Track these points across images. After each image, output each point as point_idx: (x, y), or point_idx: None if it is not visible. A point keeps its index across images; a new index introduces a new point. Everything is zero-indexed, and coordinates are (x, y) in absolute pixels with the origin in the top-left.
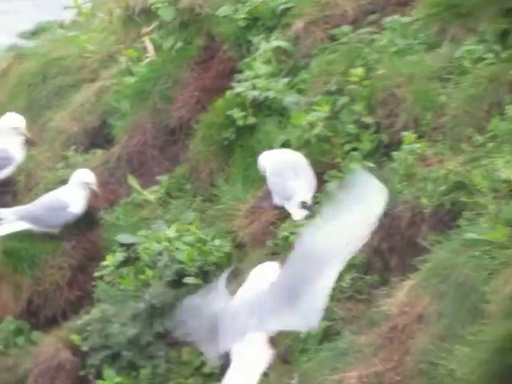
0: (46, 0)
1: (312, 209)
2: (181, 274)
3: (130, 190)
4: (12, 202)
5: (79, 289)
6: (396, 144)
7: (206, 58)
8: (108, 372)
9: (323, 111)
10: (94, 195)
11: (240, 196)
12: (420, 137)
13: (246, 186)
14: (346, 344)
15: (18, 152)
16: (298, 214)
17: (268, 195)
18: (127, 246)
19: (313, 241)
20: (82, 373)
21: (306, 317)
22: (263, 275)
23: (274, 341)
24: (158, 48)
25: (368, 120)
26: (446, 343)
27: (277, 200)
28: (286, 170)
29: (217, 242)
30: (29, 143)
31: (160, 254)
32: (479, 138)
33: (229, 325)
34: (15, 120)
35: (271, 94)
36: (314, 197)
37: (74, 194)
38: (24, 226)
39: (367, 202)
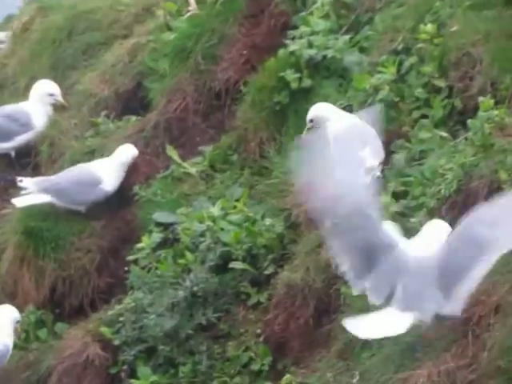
0: None
1: (378, 178)
2: (226, 258)
3: (168, 161)
4: (33, 174)
5: (110, 275)
6: (471, 111)
7: (255, 11)
8: (142, 369)
9: (389, 73)
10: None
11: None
12: (498, 102)
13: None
14: (413, 338)
15: (40, 117)
16: None
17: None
18: (165, 226)
19: (478, 224)
20: (112, 370)
21: (452, 303)
22: (435, 234)
23: (331, 335)
24: (200, 0)
25: (439, 83)
26: None
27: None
28: (351, 138)
29: (267, 221)
30: (56, 109)
31: (202, 234)
32: None
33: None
34: (50, 87)
35: (330, 53)
36: (381, 169)
37: (109, 170)
38: (46, 198)
39: None
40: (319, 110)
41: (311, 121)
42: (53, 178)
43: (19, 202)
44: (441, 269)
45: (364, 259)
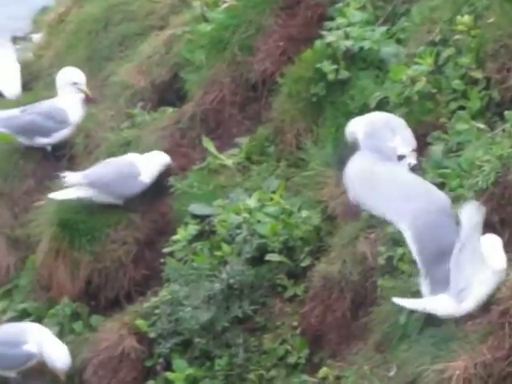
0: None
1: (415, 167)
2: (262, 250)
3: (204, 153)
4: (69, 166)
5: (146, 267)
6: (509, 102)
7: (292, 2)
8: (178, 362)
9: (426, 64)
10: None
11: (330, 160)
12: None
13: (337, 148)
14: (449, 330)
15: (75, 112)
16: None
17: None
18: (201, 218)
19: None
20: (148, 363)
21: (462, 298)
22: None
23: (368, 328)
24: None
25: (477, 75)
26: None
27: None
28: (379, 129)
29: (304, 213)
30: (88, 101)
31: (239, 227)
32: None
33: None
34: (74, 74)
35: (367, 45)
36: (418, 160)
37: (148, 162)
38: (86, 192)
39: None
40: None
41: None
42: (93, 170)
43: (58, 195)
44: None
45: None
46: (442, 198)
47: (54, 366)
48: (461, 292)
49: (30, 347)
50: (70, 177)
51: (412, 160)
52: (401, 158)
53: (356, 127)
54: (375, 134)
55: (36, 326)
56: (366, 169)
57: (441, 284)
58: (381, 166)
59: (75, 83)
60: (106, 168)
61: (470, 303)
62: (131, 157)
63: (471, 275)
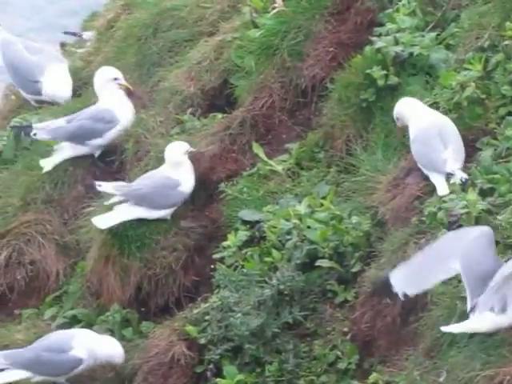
0: None
1: (462, 181)
2: (312, 256)
3: (254, 159)
4: (118, 172)
5: (196, 273)
6: None
7: (341, 8)
8: (228, 368)
9: (475, 70)
10: (211, 166)
11: (380, 166)
12: None
13: (387, 154)
14: (500, 336)
15: (123, 112)
16: (443, 188)
17: (415, 167)
18: (251, 224)
19: None
20: (198, 369)
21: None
22: None
23: (418, 333)
24: None
25: None
26: None
27: (423, 169)
28: (432, 138)
29: (354, 219)
30: (136, 104)
31: (289, 232)
32: None
33: None
34: (110, 71)
35: (416, 50)
36: (465, 167)
37: (183, 171)
38: (131, 213)
39: None
40: (402, 106)
41: (397, 118)
42: (132, 183)
43: (102, 223)
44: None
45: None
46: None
47: (112, 361)
48: (503, 304)
49: (78, 352)
50: (104, 187)
51: (463, 175)
52: (449, 175)
53: (409, 113)
54: (428, 143)
55: (82, 331)
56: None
57: (484, 302)
58: None
59: (114, 79)
60: (144, 181)
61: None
62: (168, 168)
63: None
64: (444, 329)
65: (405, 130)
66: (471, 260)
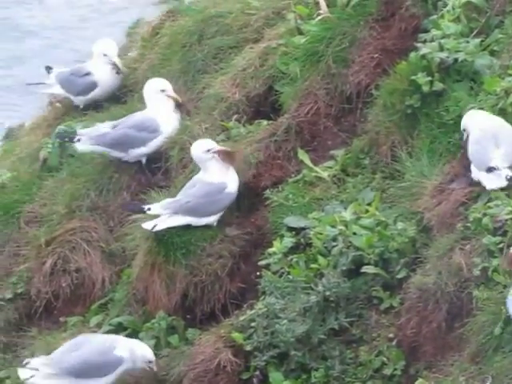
0: None
1: (507, 178)
2: (358, 263)
3: (300, 165)
4: (163, 180)
5: (242, 280)
6: None
7: (386, 14)
8: (274, 375)
9: None
10: (256, 173)
11: (425, 172)
12: None
13: (432, 160)
14: None
15: (167, 121)
16: (491, 182)
17: (460, 173)
18: (297, 231)
19: None
20: (244, 376)
21: None
22: None
23: (464, 339)
24: (331, 3)
25: None
26: None
27: (474, 171)
28: (486, 138)
29: (399, 225)
30: (182, 111)
31: (334, 239)
32: None
33: None
34: (160, 83)
35: (461, 57)
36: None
37: (224, 173)
38: (181, 220)
39: None
40: (466, 118)
41: (464, 130)
42: (180, 197)
43: (149, 226)
44: None
45: None
46: None
47: (147, 364)
48: None
49: (120, 352)
50: (153, 209)
51: (509, 173)
52: (491, 169)
53: (467, 123)
54: (481, 142)
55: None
56: None
57: None
58: None
59: (162, 90)
60: (190, 191)
61: None
62: (210, 173)
63: None
64: None
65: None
66: None
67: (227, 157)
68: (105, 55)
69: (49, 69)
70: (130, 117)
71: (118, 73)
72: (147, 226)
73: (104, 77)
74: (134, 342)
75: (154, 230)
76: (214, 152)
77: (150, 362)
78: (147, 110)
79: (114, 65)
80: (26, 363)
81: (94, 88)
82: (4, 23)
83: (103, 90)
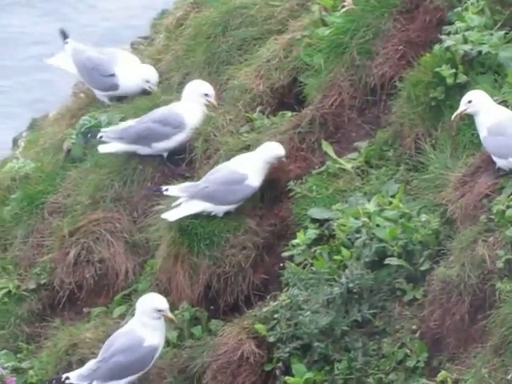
0: None
1: None
2: (381, 254)
3: (324, 157)
4: (187, 171)
5: (265, 271)
6: None
7: (410, 6)
8: (297, 366)
9: None
10: (280, 165)
11: (449, 164)
12: None
13: (455, 152)
14: None
15: (193, 117)
16: None
17: (483, 165)
18: (320, 222)
19: None
20: (267, 367)
21: None
22: None
23: (487, 331)
24: None
25: None
26: None
27: (499, 162)
28: (508, 128)
29: (423, 217)
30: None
31: (358, 231)
32: None
33: None
34: (206, 87)
35: (485, 49)
36: None
37: (253, 166)
38: (198, 207)
39: None
40: (479, 94)
41: (469, 101)
42: (199, 182)
43: (171, 216)
44: None
45: None
46: None
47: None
48: None
49: (151, 340)
50: (171, 190)
51: None
52: None
53: (478, 111)
54: (505, 133)
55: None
56: None
57: None
58: None
59: (206, 95)
60: (210, 178)
61: None
62: (237, 162)
63: None
64: None
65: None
66: None
67: None
68: (147, 81)
69: (64, 35)
70: (155, 111)
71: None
72: (166, 215)
73: (129, 86)
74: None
75: (174, 219)
76: (281, 160)
77: (159, 310)
78: (176, 104)
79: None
80: None
81: (116, 89)
82: None
83: (123, 91)
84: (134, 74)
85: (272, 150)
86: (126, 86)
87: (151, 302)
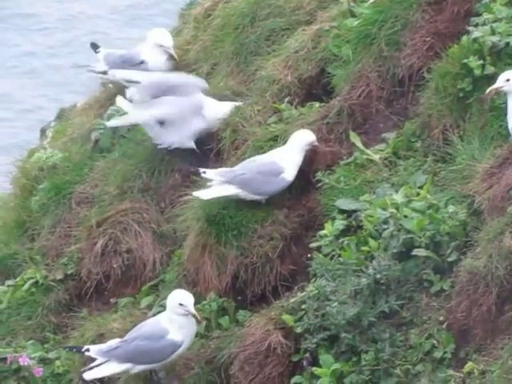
0: None
1: None
2: (409, 245)
3: (351, 148)
4: (215, 161)
5: (292, 262)
6: None
7: None
8: (324, 357)
9: None
10: (309, 154)
11: (477, 155)
12: None
13: (483, 143)
14: None
15: (211, 107)
16: None
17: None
18: (348, 213)
19: None
20: (294, 358)
21: None
22: None
23: None
24: None
25: None
26: None
27: None
28: None
29: (450, 208)
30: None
31: (385, 222)
32: None
33: None
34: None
35: None
36: None
37: (289, 159)
38: (229, 190)
39: None
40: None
41: (508, 80)
42: (236, 168)
43: (204, 194)
44: None
45: None
46: None
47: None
48: None
49: (175, 336)
50: (208, 173)
51: None
52: None
53: None
54: None
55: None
56: None
57: None
58: None
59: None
60: (248, 165)
61: None
62: (276, 154)
63: None
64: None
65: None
66: None
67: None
68: (161, 46)
69: (95, 47)
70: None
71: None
72: (198, 193)
73: (158, 67)
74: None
75: (205, 198)
76: (315, 145)
77: (182, 305)
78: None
79: (171, 56)
80: None
81: None
82: None
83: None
84: (158, 51)
85: (304, 137)
86: (155, 67)
87: (175, 297)
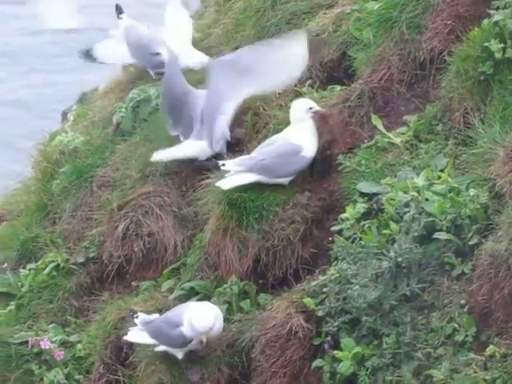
0: None
1: None
2: (430, 229)
3: (373, 131)
4: (236, 145)
5: (314, 245)
6: None
7: None
8: (346, 341)
9: None
10: (331, 137)
11: (498, 139)
12: None
13: (504, 127)
14: None
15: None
16: None
17: None
18: (369, 196)
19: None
20: (316, 342)
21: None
22: None
23: None
24: None
25: None
26: None
27: None
28: None
29: (472, 191)
30: None
31: (407, 205)
32: None
33: None
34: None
35: None
36: None
37: (305, 135)
38: (252, 177)
39: None
40: None
41: None
42: (254, 155)
43: (225, 184)
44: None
45: None
46: None
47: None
48: None
49: (185, 329)
50: (227, 165)
51: None
52: None
53: None
54: None
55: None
56: None
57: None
58: None
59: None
60: (265, 150)
61: None
62: (290, 133)
63: None
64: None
65: None
66: None
67: (323, 119)
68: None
69: (120, 11)
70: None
71: None
72: (220, 183)
73: None
74: (194, 312)
75: (226, 187)
76: (314, 112)
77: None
78: None
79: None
80: None
81: (162, 67)
82: None
83: None
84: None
85: (301, 107)
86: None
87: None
